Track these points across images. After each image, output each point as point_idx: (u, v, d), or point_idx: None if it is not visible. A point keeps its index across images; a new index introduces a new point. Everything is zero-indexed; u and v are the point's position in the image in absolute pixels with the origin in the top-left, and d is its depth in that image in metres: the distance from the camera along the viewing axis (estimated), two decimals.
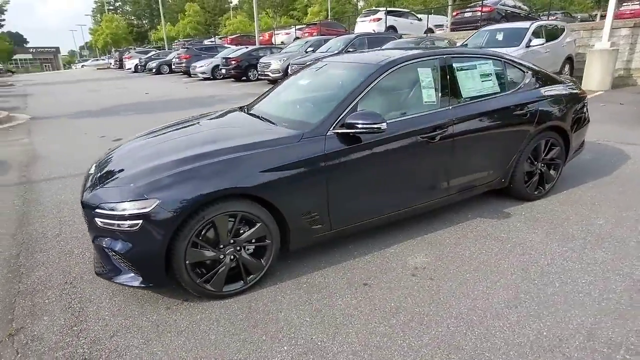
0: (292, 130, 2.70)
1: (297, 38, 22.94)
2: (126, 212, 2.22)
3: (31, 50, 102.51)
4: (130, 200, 2.24)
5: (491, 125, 3.27)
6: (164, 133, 3.16)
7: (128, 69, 29.89)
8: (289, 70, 13.20)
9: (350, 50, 12.81)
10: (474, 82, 3.30)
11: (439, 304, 2.38)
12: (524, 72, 3.59)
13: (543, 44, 8.83)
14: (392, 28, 18.67)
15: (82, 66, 46.42)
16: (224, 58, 17.24)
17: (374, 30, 18.01)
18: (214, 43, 29.39)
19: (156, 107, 11.09)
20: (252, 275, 2.57)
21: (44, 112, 11.15)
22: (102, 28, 46.25)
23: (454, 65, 3.21)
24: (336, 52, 12.91)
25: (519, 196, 3.71)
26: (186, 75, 21.36)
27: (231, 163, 2.40)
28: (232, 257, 2.47)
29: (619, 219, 3.32)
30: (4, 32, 59.58)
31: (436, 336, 2.12)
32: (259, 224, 2.47)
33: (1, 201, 4.33)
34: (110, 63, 36.99)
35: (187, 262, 2.33)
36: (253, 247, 2.56)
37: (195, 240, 2.32)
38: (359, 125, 2.58)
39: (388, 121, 2.72)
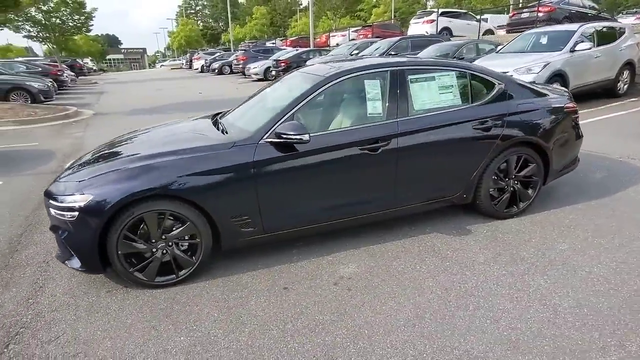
0: (226, 139, 2.88)
1: (352, 40, 23.04)
2: (68, 205, 2.57)
3: (123, 50, 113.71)
4: (71, 194, 2.58)
5: (445, 140, 3.18)
6: (135, 135, 3.52)
7: (195, 69, 32.07)
8: None
9: (392, 53, 12.68)
10: (430, 94, 3.23)
11: (341, 314, 2.43)
12: (493, 84, 3.43)
13: (590, 48, 8.06)
14: (446, 30, 18.06)
15: (160, 66, 50.71)
16: (274, 60, 17.88)
17: (426, 33, 17.56)
18: (274, 45, 30.49)
19: (201, 106, 11.89)
20: (183, 270, 2.80)
21: (107, 109, 12.48)
22: (178, 31, 50.21)
23: (409, 77, 3.18)
24: (377, 55, 12.86)
25: (488, 213, 3.55)
26: (243, 76, 22.45)
27: (160, 166, 2.65)
28: (163, 251, 2.73)
29: (585, 246, 3.06)
30: (99, 35, 67.02)
31: (318, 345, 2.19)
32: (188, 223, 2.70)
33: (33, 186, 5.03)
34: (183, 63, 39.97)
35: (119, 252, 2.62)
36: (187, 244, 2.80)
37: (126, 234, 2.61)
38: (284, 136, 2.71)
39: (328, 131, 2.83)
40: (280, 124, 2.81)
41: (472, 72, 3.39)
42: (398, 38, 13.71)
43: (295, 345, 2.20)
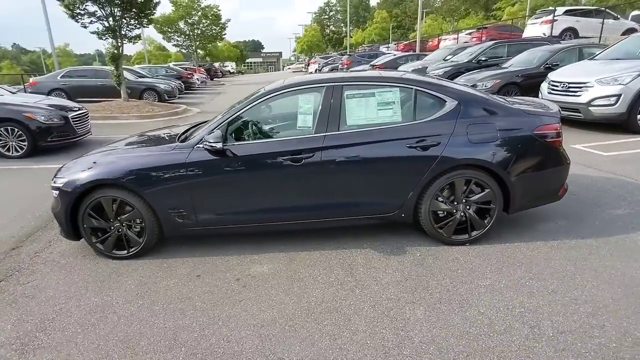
0: (174, 143, 3.37)
1: (465, 43, 21.76)
2: (53, 185, 3.39)
3: (262, 55, 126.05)
4: (57, 178, 3.40)
5: (376, 157, 3.15)
6: (132, 136, 4.27)
7: (310, 72, 34.13)
8: None
9: (482, 59, 11.77)
10: (367, 110, 3.23)
11: (218, 304, 2.71)
12: (444, 101, 3.21)
13: None
14: (570, 31, 15.84)
15: (287, 69, 55.09)
16: (370, 65, 18.06)
17: (543, 34, 15.68)
18: (387, 49, 30.51)
19: None
20: (133, 248, 3.40)
21: (213, 108, 14.36)
22: (302, 37, 53.93)
23: (345, 92, 3.24)
24: (465, 61, 12.09)
25: (434, 237, 3.35)
26: None
27: (117, 161, 3.29)
28: (118, 230, 3.37)
29: (512, 287, 2.71)
30: (246, 41, 75.55)
31: (190, 320, 2.53)
32: (134, 209, 3.29)
33: None
34: (303, 67, 42.86)
35: (84, 225, 3.35)
36: (138, 227, 3.39)
37: (89, 212, 3.32)
38: (205, 143, 3.10)
39: (257, 141, 3.15)
40: (211, 132, 3.20)
41: (419, 88, 3.25)
42: (492, 43, 12.57)
43: (172, 317, 2.57)
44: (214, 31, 29.14)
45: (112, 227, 3.36)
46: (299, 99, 3.28)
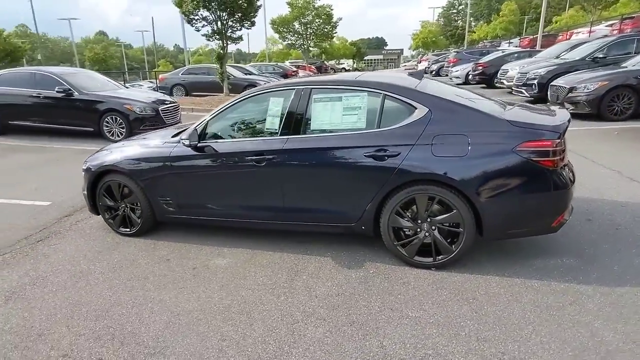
0: (168, 139, 3.72)
1: (604, 36, 18.51)
2: (82, 168, 4.06)
3: (383, 52, 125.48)
4: (85, 162, 4.06)
5: (333, 164, 3.02)
6: (161, 130, 4.80)
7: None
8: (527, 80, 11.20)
9: (598, 57, 9.92)
10: (332, 115, 3.10)
11: (165, 288, 2.97)
12: (414, 108, 2.89)
13: None
14: None
15: (403, 66, 53.96)
16: (475, 63, 16.64)
17: None
18: (509, 45, 27.64)
19: None
20: (134, 227, 3.88)
21: None
22: (419, 32, 51.80)
23: (314, 96, 3.17)
24: (577, 59, 10.33)
25: (396, 255, 3.08)
26: (448, 79, 21.74)
27: (121, 151, 3.80)
28: (123, 210, 3.90)
29: (441, 325, 2.35)
30: (369, 38, 76.08)
31: (99, 300, 2.85)
32: (133, 194, 3.77)
33: None
34: (415, 64, 41.41)
35: (100, 203, 3.96)
36: (138, 210, 3.86)
37: (103, 192, 3.91)
38: (182, 140, 3.38)
39: (229, 140, 3.35)
40: (192, 130, 3.46)
41: (387, 93, 2.99)
42: (615, 37, 10.39)
43: (121, 292, 2.93)
44: (325, 30, 30.20)
45: (120, 207, 3.89)
46: (271, 101, 3.32)
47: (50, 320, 2.64)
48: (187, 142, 3.33)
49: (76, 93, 8.45)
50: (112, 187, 3.84)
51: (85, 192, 4.00)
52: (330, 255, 3.30)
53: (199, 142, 3.38)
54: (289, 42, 31.27)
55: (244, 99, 3.44)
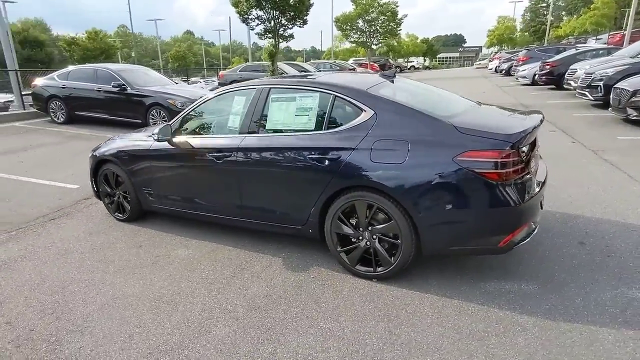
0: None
1: None
2: (89, 155, 4.48)
3: (460, 49, 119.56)
4: (91, 152, 4.47)
5: (281, 164, 2.99)
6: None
7: (490, 69, 30.78)
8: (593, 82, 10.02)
9: None
10: (285, 115, 3.08)
11: (104, 272, 3.18)
12: (361, 111, 2.75)
13: None
14: None
15: (477, 64, 50.88)
16: (542, 62, 15.21)
17: None
18: (595, 41, 24.85)
19: None
20: (125, 213, 4.20)
21: None
22: (494, 30, 48.26)
23: (272, 96, 3.17)
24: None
25: (339, 262, 2.98)
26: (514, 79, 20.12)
27: (114, 144, 4.11)
28: (118, 197, 4.23)
29: (341, 348, 2.23)
30: (447, 35, 72.81)
31: (65, 276, 3.12)
32: (124, 182, 4.08)
33: None
34: (487, 63, 38.82)
35: (100, 190, 4.34)
36: (130, 198, 4.17)
37: (102, 179, 4.27)
38: (152, 134, 3.57)
39: (196, 135, 3.51)
40: (165, 125, 3.64)
41: (338, 94, 2.88)
42: None
43: (84, 271, 3.22)
44: (389, 27, 29.51)
45: (115, 194, 4.23)
46: (234, 100, 3.38)
47: (17, 291, 2.97)
48: (156, 137, 3.53)
49: (128, 88, 9.27)
50: (108, 176, 4.18)
51: (90, 179, 4.41)
52: (282, 256, 3.29)
53: (172, 137, 3.55)
54: (351, 39, 31.16)
55: (214, 97, 3.54)
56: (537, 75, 15.33)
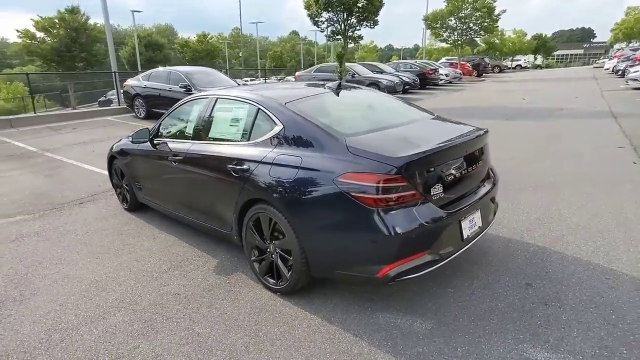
0: None
1: None
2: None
3: (585, 46, 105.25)
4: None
5: (211, 170, 3.15)
6: None
7: (605, 69, 26.65)
8: None
9: None
10: (222, 125, 3.22)
11: (79, 254, 3.66)
12: (274, 124, 2.74)
13: None
14: None
15: (597, 63, 44.27)
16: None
17: None
18: None
19: (492, 114, 11.41)
20: (127, 204, 4.77)
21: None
22: (621, 22, 40.91)
23: (217, 106, 3.33)
24: None
25: (253, 272, 3.02)
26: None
27: (120, 142, 4.67)
28: (120, 191, 4.82)
29: (188, 352, 2.29)
30: (572, 29, 64.30)
31: (46, 255, 3.66)
32: (125, 177, 4.63)
33: None
34: (604, 62, 33.56)
35: (114, 181, 4.98)
36: (129, 189, 4.71)
37: (115, 173, 4.90)
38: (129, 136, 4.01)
39: (165, 139, 3.87)
40: (144, 128, 4.05)
41: (261, 107, 2.91)
42: None
43: (64, 251, 3.78)
44: (484, 24, 27.19)
45: (122, 186, 4.83)
46: (193, 108, 3.62)
47: (10, 260, 3.61)
48: (130, 139, 3.95)
49: (193, 89, 10.25)
50: (116, 169, 4.78)
51: (108, 172, 5.08)
52: (221, 258, 3.44)
53: (154, 139, 3.92)
54: (441, 39, 29.54)
55: (182, 104, 3.83)
56: None
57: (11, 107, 24.64)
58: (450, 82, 24.36)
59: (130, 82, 11.97)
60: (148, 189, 4.20)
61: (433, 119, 3.16)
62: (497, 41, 39.10)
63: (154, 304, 2.81)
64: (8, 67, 54.51)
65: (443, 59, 33.87)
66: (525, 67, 50.48)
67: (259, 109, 2.96)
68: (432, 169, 2.37)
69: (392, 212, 2.22)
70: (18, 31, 24.01)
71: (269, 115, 2.87)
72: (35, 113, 12.08)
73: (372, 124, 2.82)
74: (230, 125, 3.18)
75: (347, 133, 2.56)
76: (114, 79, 13.32)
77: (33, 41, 23.18)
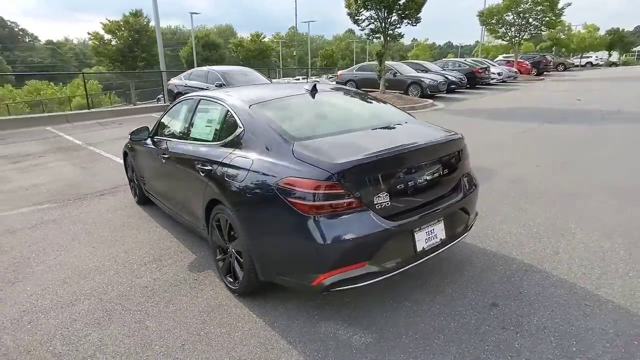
0: None
1: None
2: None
3: None
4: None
5: (187, 168, 3.23)
6: None
7: None
8: None
9: None
10: (200, 125, 3.30)
11: (78, 241, 3.93)
12: (237, 126, 2.75)
13: None
14: None
15: None
16: None
17: None
18: None
19: (545, 115, 10.71)
20: (137, 197, 5.06)
21: (459, 107, 13.72)
22: None
23: (199, 106, 3.42)
24: None
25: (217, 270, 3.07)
26: None
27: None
28: (132, 184, 5.11)
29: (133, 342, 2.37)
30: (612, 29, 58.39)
31: (52, 241, 3.97)
32: (134, 172, 4.91)
33: None
34: None
35: (129, 175, 5.30)
36: (137, 182, 4.99)
37: (127, 167, 5.21)
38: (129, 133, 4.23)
39: (161, 137, 4.06)
40: (142, 126, 4.26)
41: (229, 109, 2.94)
42: None
43: (67, 239, 4.09)
44: (545, 19, 25.17)
45: (133, 180, 5.13)
46: (182, 107, 3.74)
47: (21, 245, 3.97)
48: (130, 136, 4.16)
49: (226, 87, 10.59)
50: (127, 164, 5.09)
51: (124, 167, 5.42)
52: (201, 255, 3.53)
53: (154, 136, 4.12)
54: (497, 35, 27.85)
55: (175, 104, 3.97)
56: None
57: (84, 103, 27.18)
58: (503, 81, 23.01)
59: (173, 80, 12.63)
60: (149, 184, 4.41)
61: (407, 123, 3.01)
62: (562, 37, 36.19)
63: (121, 295, 2.96)
64: (87, 67, 59.89)
65: (500, 57, 32.05)
66: (597, 65, 46.28)
67: (228, 110, 3.00)
68: (377, 177, 2.26)
69: (329, 220, 2.15)
70: (89, 34, 26.31)
71: (234, 117, 2.90)
72: (89, 109, 13.16)
73: (334, 128, 2.75)
74: (206, 126, 3.25)
75: (298, 137, 2.51)
76: (162, 78, 14.14)
77: (101, 42, 25.19)
